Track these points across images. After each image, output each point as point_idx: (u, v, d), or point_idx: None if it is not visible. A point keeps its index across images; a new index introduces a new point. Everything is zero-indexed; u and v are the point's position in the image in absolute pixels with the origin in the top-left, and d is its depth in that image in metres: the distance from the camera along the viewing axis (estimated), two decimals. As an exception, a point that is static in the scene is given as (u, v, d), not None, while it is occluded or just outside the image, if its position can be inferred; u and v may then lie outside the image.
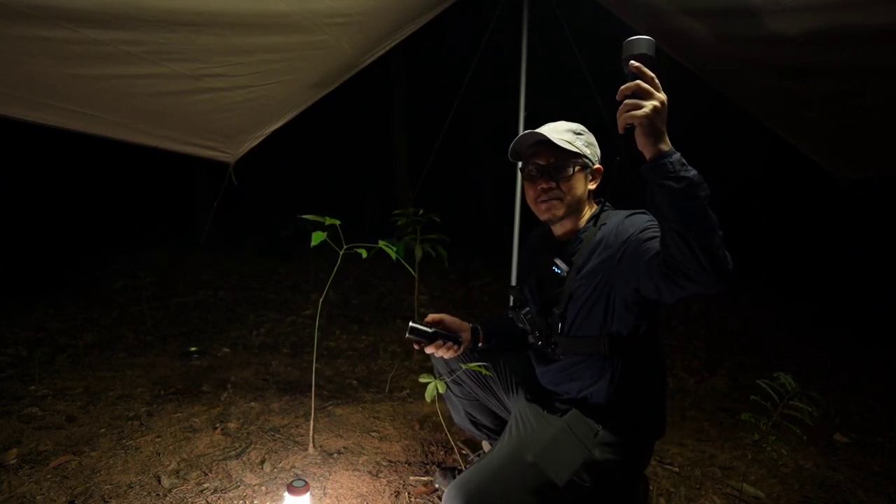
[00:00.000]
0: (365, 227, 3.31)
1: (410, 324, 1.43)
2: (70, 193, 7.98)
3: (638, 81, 0.95)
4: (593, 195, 1.44)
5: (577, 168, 1.35)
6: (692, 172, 0.96)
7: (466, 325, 1.56)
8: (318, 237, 1.69)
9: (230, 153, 2.51)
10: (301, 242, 1.80)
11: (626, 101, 0.96)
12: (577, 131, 1.39)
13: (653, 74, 0.95)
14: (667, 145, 0.97)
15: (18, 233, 6.34)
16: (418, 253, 2.66)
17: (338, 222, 1.76)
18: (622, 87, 0.97)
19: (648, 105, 0.94)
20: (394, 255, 1.88)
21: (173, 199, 8.45)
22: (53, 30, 1.39)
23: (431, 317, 1.51)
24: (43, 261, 5.73)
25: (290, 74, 2.10)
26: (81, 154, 7.19)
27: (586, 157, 1.36)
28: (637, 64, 0.95)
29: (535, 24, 2.49)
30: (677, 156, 0.97)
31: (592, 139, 1.41)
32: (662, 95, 0.95)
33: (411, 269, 2.28)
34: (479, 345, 1.57)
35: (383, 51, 2.39)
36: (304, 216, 1.76)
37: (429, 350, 1.48)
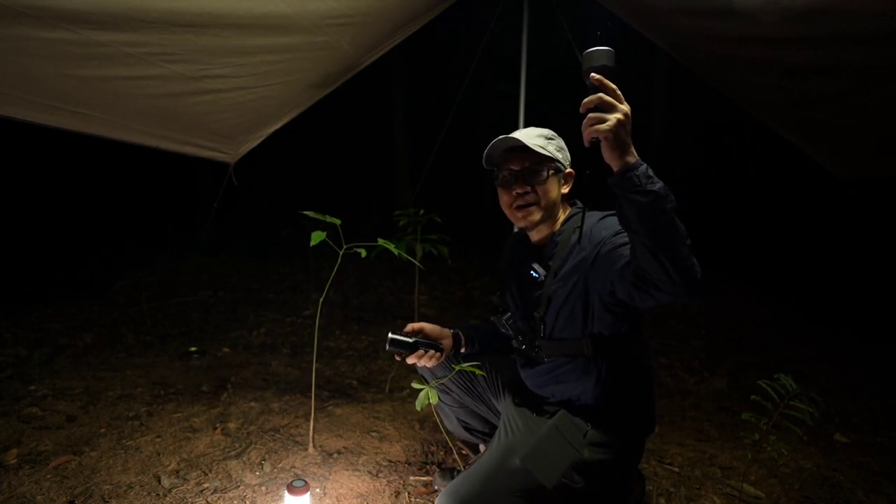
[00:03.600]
0: (366, 227, 3.32)
1: (389, 335, 1.40)
2: (70, 194, 7.97)
3: (600, 94, 0.93)
4: (566, 198, 1.44)
5: (550, 172, 1.36)
6: (658, 185, 0.95)
7: (447, 332, 1.55)
8: (317, 236, 1.68)
9: (230, 153, 2.51)
10: (301, 242, 1.80)
11: (590, 114, 0.94)
12: (548, 136, 1.40)
13: (614, 86, 0.93)
14: (633, 157, 0.96)
15: (19, 233, 6.34)
16: (419, 252, 2.66)
17: (338, 221, 1.76)
18: (584, 100, 0.95)
19: (612, 118, 0.92)
20: (396, 251, 1.88)
21: (174, 199, 8.45)
22: (54, 31, 1.39)
23: (411, 326, 1.49)
24: (43, 261, 5.73)
25: (290, 75, 2.11)
26: (82, 155, 7.19)
27: (558, 162, 1.37)
28: (598, 76, 0.93)
29: (535, 23, 2.50)
30: (643, 168, 0.95)
31: (562, 144, 1.42)
32: (626, 107, 0.94)
33: (415, 262, 2.28)
34: (462, 350, 1.57)
35: (384, 51, 2.39)
36: (305, 212, 1.76)
37: (410, 360, 1.46)
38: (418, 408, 1.44)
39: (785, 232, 7.18)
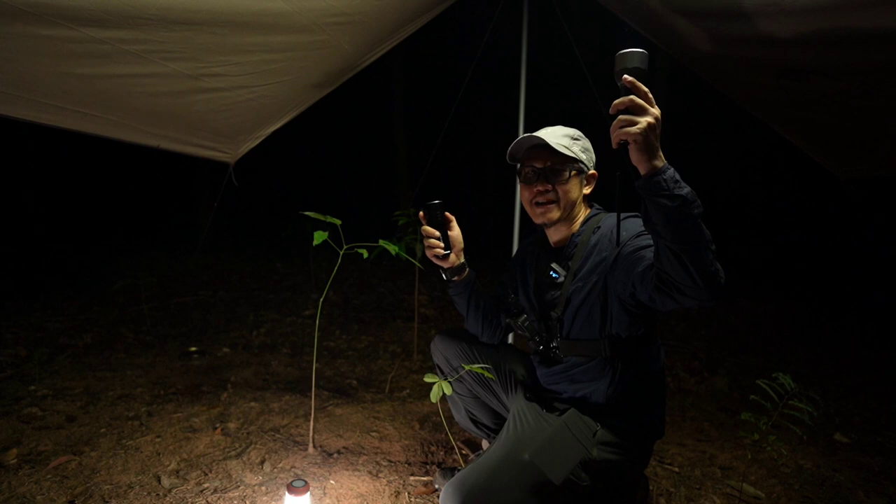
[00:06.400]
0: (366, 227, 3.32)
1: (436, 201, 1.42)
2: (70, 194, 7.98)
3: (632, 97, 0.93)
4: (587, 200, 1.46)
5: (573, 172, 1.37)
6: (686, 190, 0.96)
7: (463, 256, 1.52)
8: (319, 236, 1.68)
9: (230, 153, 2.50)
10: (301, 242, 1.80)
11: (620, 116, 0.94)
12: (574, 136, 1.41)
13: (646, 89, 0.93)
14: (661, 161, 0.96)
15: (19, 233, 6.34)
16: (419, 251, 2.67)
17: (338, 222, 1.76)
18: (615, 101, 0.95)
19: (643, 121, 0.92)
20: (394, 251, 1.88)
21: (173, 199, 8.45)
22: (53, 28, 1.39)
23: (451, 218, 1.47)
24: (43, 261, 5.73)
25: (289, 75, 2.10)
26: (82, 154, 7.19)
27: (582, 163, 1.38)
28: (630, 78, 0.94)
29: (535, 23, 2.49)
30: (671, 172, 0.96)
31: (588, 145, 1.43)
32: (656, 110, 0.94)
33: (415, 262, 2.28)
34: (455, 277, 1.52)
35: (383, 51, 2.39)
36: (306, 213, 1.76)
37: (424, 229, 1.45)
38: (433, 400, 1.46)
39: (792, 233, 7.18)
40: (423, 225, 1.45)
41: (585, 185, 1.43)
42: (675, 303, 1.06)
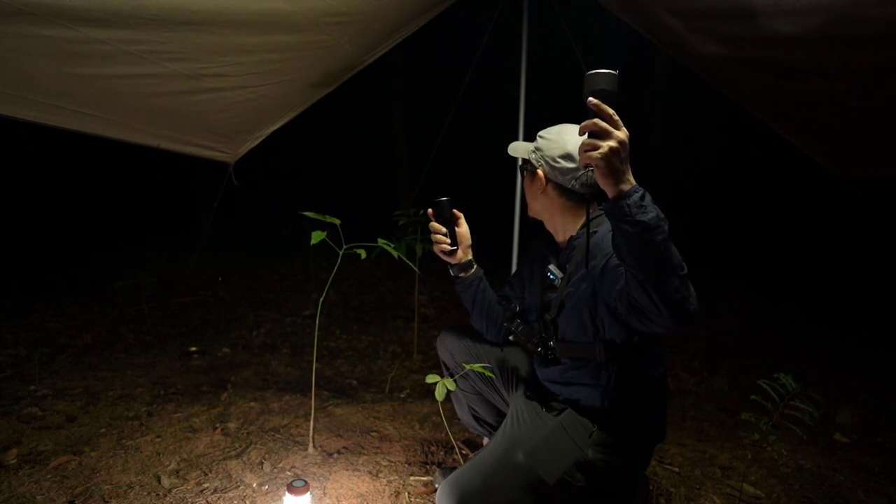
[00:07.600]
0: (365, 227, 3.32)
1: (443, 198, 1.48)
2: (70, 194, 7.97)
3: (595, 120, 0.91)
4: (576, 200, 1.38)
5: (525, 172, 1.45)
6: (649, 216, 0.92)
7: (470, 254, 1.55)
8: (317, 236, 1.69)
9: (230, 153, 2.50)
10: (301, 242, 1.81)
11: (584, 140, 0.93)
12: (540, 135, 1.41)
13: (611, 112, 0.91)
14: (627, 185, 0.93)
15: (19, 233, 6.34)
16: (419, 251, 2.67)
17: (338, 221, 1.77)
18: (581, 124, 0.94)
19: (605, 146, 0.90)
20: (395, 254, 1.89)
21: (173, 199, 8.45)
22: (53, 28, 1.39)
23: (458, 214, 1.51)
24: (43, 261, 5.73)
25: (289, 74, 2.10)
26: (81, 154, 7.20)
27: (529, 162, 1.41)
28: (595, 101, 0.91)
29: (534, 23, 2.50)
30: (636, 197, 0.92)
31: (545, 144, 1.37)
32: (622, 133, 0.91)
33: (413, 266, 2.28)
34: (461, 273, 1.55)
35: (384, 51, 2.39)
36: (305, 213, 1.77)
37: (432, 225, 1.49)
38: (439, 399, 1.47)
39: (789, 234, 7.18)
40: (431, 221, 1.49)
41: (541, 187, 1.38)
42: (644, 327, 1.04)
